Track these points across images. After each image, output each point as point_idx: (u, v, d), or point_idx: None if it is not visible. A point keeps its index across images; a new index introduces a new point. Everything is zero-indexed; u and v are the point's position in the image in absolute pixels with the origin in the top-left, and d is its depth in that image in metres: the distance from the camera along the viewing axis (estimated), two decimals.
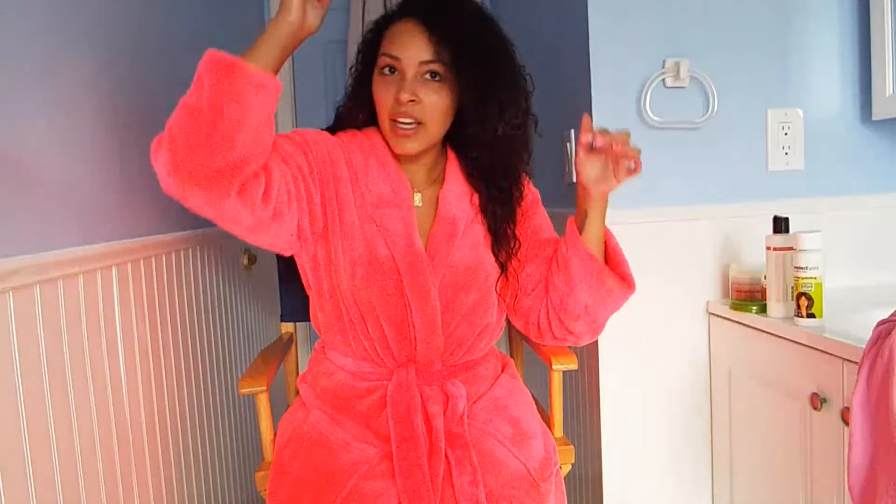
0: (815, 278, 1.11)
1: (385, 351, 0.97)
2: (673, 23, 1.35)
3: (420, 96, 0.91)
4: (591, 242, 0.98)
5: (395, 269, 0.94)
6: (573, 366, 1.16)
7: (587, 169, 0.95)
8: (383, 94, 0.94)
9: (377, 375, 0.99)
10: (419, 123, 0.93)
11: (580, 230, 0.98)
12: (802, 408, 1.11)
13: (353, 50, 1.70)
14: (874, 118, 1.40)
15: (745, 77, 1.39)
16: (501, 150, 0.98)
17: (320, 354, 1.06)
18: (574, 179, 1.48)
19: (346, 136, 1.00)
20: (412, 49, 0.91)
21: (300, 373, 1.14)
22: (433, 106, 0.92)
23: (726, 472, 1.39)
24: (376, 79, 0.95)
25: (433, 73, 0.92)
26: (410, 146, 0.94)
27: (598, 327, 1.02)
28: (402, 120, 0.93)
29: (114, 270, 1.01)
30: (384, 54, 0.94)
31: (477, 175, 1.01)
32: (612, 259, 1.00)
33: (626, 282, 0.99)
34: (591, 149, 0.92)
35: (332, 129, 1.02)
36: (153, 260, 1.16)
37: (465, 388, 0.99)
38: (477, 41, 0.92)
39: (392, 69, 0.93)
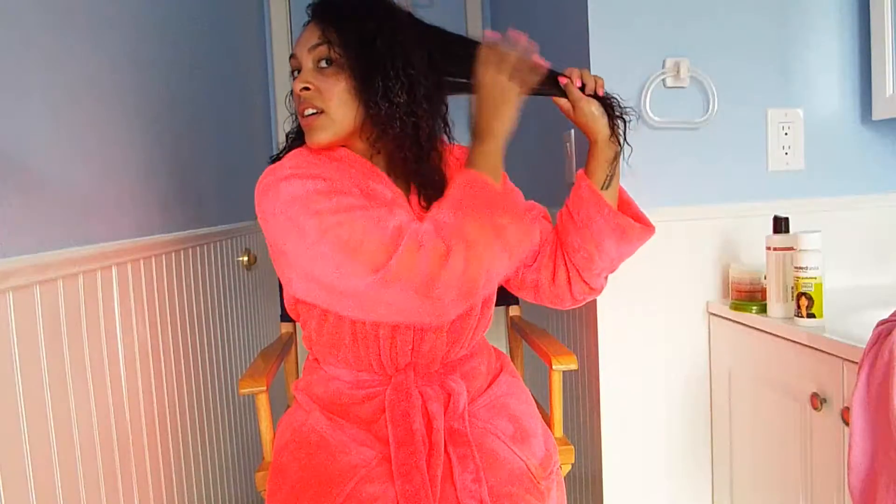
0: (815, 278, 1.11)
1: (386, 360, 0.96)
2: (673, 23, 1.35)
3: (313, 83, 0.90)
4: (611, 197, 1.00)
5: None
6: (573, 366, 1.16)
7: (583, 115, 1.01)
8: (294, 96, 0.94)
9: (376, 382, 0.98)
10: (321, 112, 0.91)
11: (597, 183, 1.00)
12: (802, 408, 1.11)
13: None
14: (874, 118, 1.40)
15: (745, 77, 1.39)
16: (389, 129, 0.92)
17: (314, 363, 1.05)
18: (574, 179, 1.49)
19: (330, 158, 0.95)
20: (303, 41, 0.92)
21: (300, 373, 1.13)
22: (328, 91, 0.90)
23: (726, 472, 1.39)
24: None
25: (328, 61, 0.90)
26: (318, 137, 0.91)
27: (613, 271, 1.06)
28: (305, 111, 0.92)
29: (114, 270, 1.01)
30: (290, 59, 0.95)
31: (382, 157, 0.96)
32: (623, 204, 1.02)
33: (646, 225, 1.01)
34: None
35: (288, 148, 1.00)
36: (153, 260, 1.16)
37: (465, 385, 0.99)
38: (362, 20, 0.90)
39: (299, 71, 0.93)
